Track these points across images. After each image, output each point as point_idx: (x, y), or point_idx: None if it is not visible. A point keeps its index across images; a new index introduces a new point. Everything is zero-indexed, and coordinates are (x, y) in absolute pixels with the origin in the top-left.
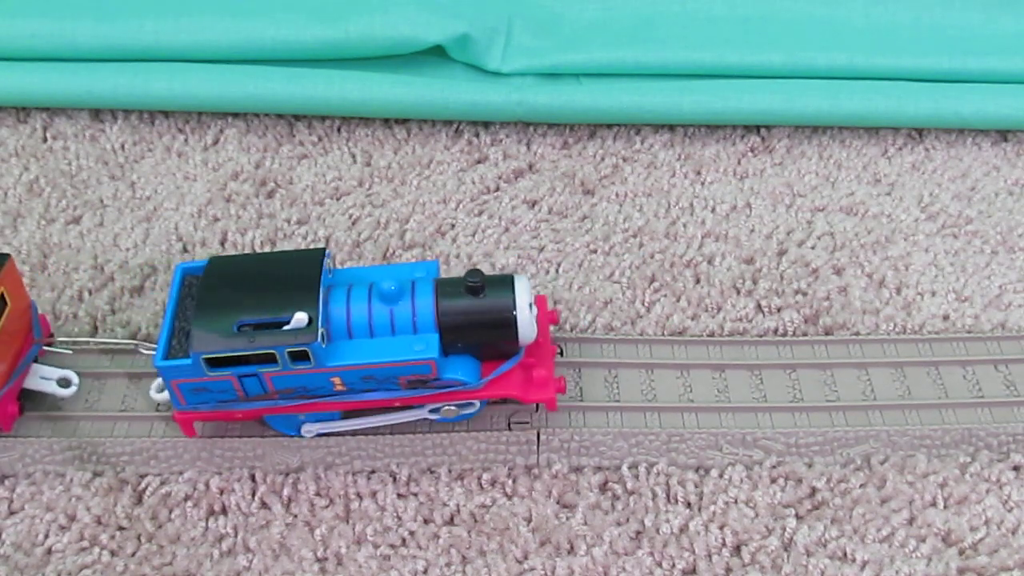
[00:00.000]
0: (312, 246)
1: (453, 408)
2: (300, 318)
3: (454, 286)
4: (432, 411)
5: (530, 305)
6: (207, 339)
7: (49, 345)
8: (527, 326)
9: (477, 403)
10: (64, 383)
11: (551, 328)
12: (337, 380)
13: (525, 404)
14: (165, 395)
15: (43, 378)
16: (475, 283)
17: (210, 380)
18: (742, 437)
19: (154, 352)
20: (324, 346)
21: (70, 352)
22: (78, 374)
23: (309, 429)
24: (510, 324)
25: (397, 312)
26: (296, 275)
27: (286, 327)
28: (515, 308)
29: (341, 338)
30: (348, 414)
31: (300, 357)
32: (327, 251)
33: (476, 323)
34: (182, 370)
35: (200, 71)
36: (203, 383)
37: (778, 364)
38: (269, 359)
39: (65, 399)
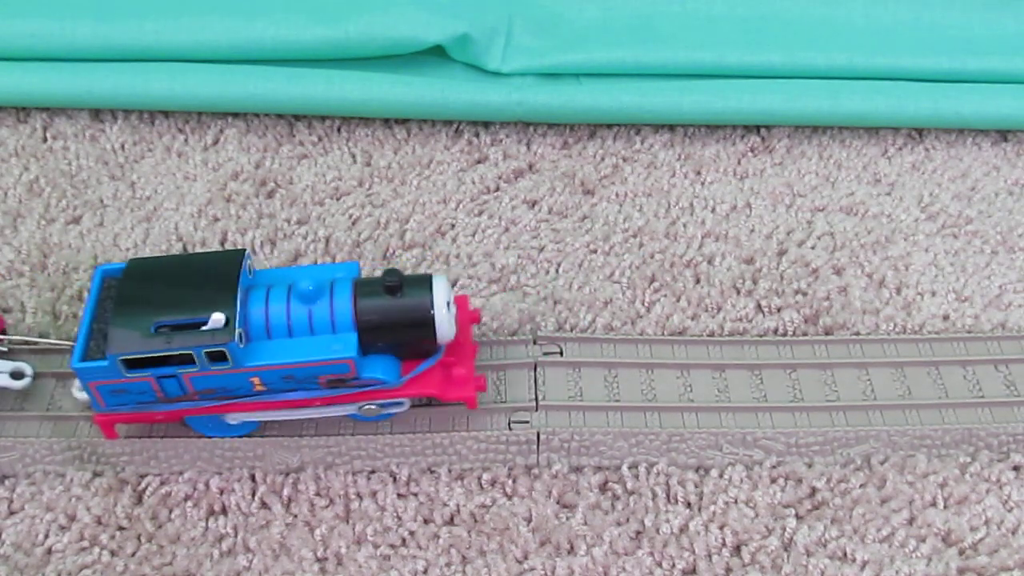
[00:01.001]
0: (312, 246)
1: (374, 407)
2: (217, 319)
3: (372, 286)
4: (357, 409)
5: (448, 304)
6: (124, 340)
7: None
8: (445, 325)
9: (405, 402)
10: (18, 375)
11: (474, 328)
12: (256, 380)
13: (445, 403)
14: (86, 395)
15: None
16: (392, 282)
17: (128, 381)
18: (742, 437)
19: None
20: (242, 346)
21: (5, 350)
22: (42, 374)
23: (235, 417)
24: (428, 323)
25: (315, 312)
26: (215, 276)
27: (203, 328)
28: (433, 307)
29: (260, 338)
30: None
31: (218, 358)
32: (247, 252)
33: (394, 322)
34: (99, 372)
35: (200, 71)
36: (121, 384)
37: (778, 364)
38: (187, 360)
39: (26, 395)
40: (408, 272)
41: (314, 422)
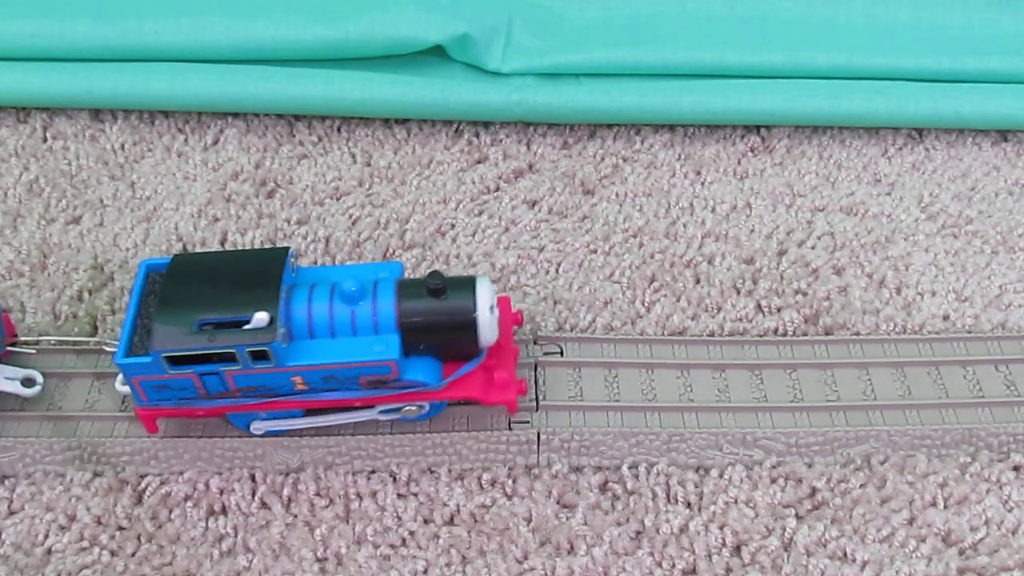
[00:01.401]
0: (312, 246)
1: (414, 408)
2: (260, 318)
3: (416, 287)
4: (393, 411)
5: (491, 307)
6: (168, 337)
7: (13, 345)
8: (488, 328)
9: (438, 404)
10: (28, 383)
11: (515, 330)
12: (298, 379)
13: (486, 406)
14: (128, 389)
15: (7, 378)
16: (436, 284)
17: (171, 378)
18: (742, 437)
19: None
20: (284, 346)
21: (34, 352)
22: (43, 374)
23: (259, 427)
24: (471, 326)
25: (358, 312)
26: (258, 274)
27: (247, 326)
28: (476, 310)
29: (302, 338)
30: (310, 412)
31: (260, 356)
32: (290, 250)
33: (437, 324)
34: (143, 367)
35: (200, 71)
36: (164, 380)
37: (778, 364)
38: (229, 358)
39: (30, 399)
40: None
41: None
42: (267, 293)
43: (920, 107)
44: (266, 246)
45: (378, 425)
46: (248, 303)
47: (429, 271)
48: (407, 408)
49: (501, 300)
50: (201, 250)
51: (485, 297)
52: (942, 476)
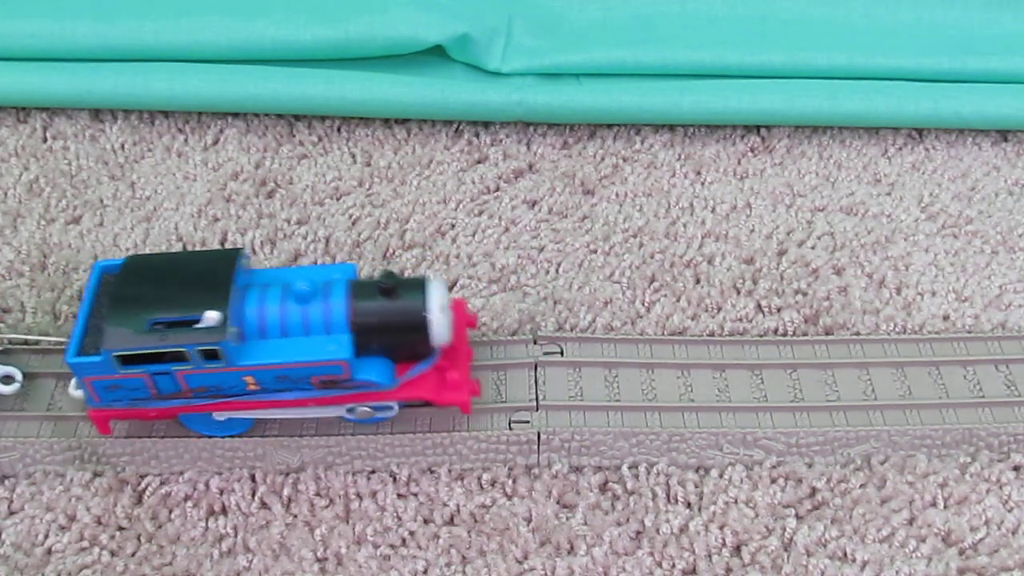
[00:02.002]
0: (312, 246)
1: (368, 409)
2: (211, 317)
3: (368, 287)
4: (348, 411)
5: (443, 308)
6: (119, 336)
7: None
8: (439, 328)
9: (394, 405)
10: (7, 380)
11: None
12: (250, 379)
13: (439, 407)
14: (82, 393)
15: None
16: (388, 285)
17: (123, 378)
18: (743, 437)
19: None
20: (235, 345)
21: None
22: (43, 375)
23: (222, 414)
24: (422, 326)
25: (310, 313)
26: (210, 274)
27: (198, 326)
28: (427, 310)
29: (254, 338)
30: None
31: (211, 356)
32: (243, 251)
33: (388, 324)
34: (94, 367)
35: (200, 71)
36: (116, 380)
37: (778, 364)
38: (180, 357)
39: (7, 396)
40: (408, 273)
41: (314, 422)
42: (218, 293)
43: (920, 107)
44: (266, 246)
45: (378, 426)
46: (199, 303)
47: (381, 271)
48: (361, 409)
49: (456, 302)
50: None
51: (437, 298)
52: (942, 476)
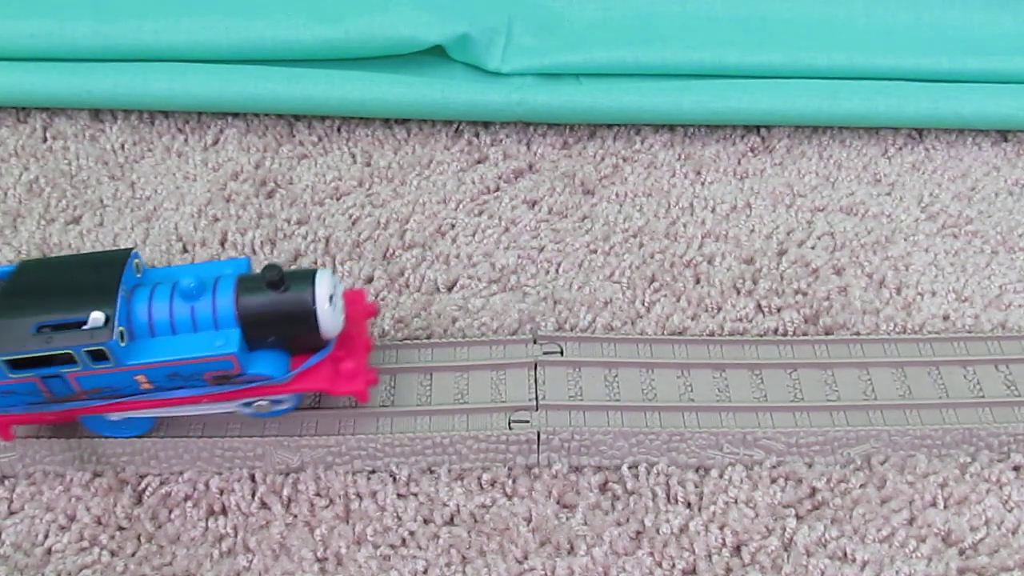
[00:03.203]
0: (312, 246)
1: (265, 403)
2: (97, 317)
3: (255, 281)
4: (245, 405)
5: (331, 298)
6: (6, 341)
7: None
8: (328, 320)
9: (287, 399)
10: None
11: (371, 321)
12: (142, 378)
13: (334, 396)
14: None
15: None
16: (274, 277)
17: (14, 382)
18: (743, 437)
19: None
20: (122, 345)
21: None
22: None
23: (118, 415)
24: (310, 317)
25: (198, 309)
26: (99, 276)
27: (84, 327)
28: (315, 302)
29: (145, 337)
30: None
31: (99, 356)
32: (134, 251)
33: (276, 317)
34: None
35: (200, 71)
36: (7, 386)
37: (779, 364)
38: (68, 359)
39: None
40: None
41: (314, 421)
42: (105, 293)
43: (920, 107)
44: (266, 246)
45: (378, 425)
46: (86, 304)
47: (267, 264)
48: (257, 403)
49: (355, 292)
50: (201, 250)
51: (324, 289)
52: (942, 476)
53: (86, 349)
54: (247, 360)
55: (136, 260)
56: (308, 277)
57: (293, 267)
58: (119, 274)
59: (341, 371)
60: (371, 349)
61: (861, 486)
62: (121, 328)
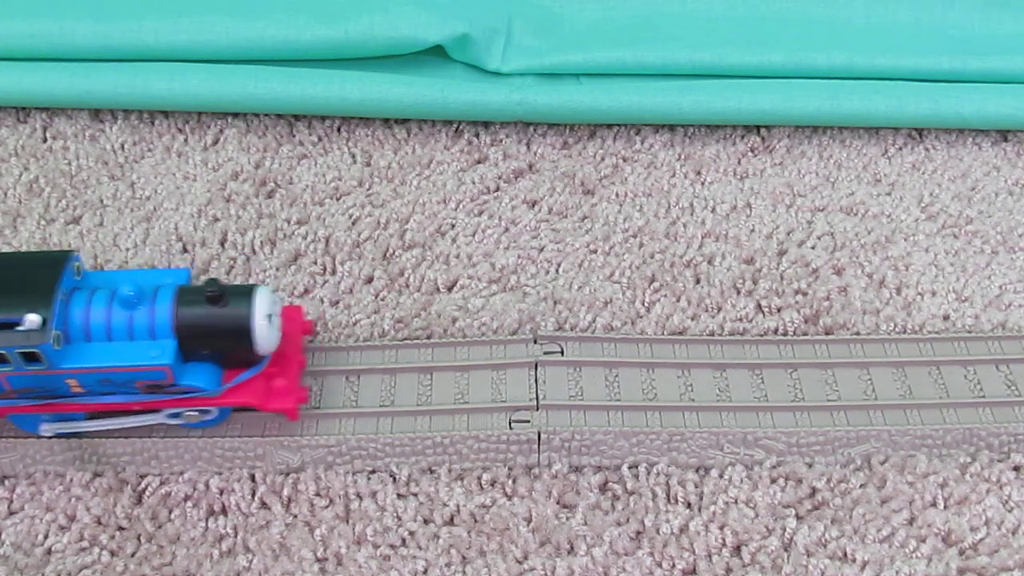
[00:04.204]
0: (312, 246)
1: (195, 413)
2: (32, 319)
3: (194, 294)
4: (173, 415)
5: (269, 316)
6: None
7: None
8: (264, 336)
9: (213, 411)
10: None
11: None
12: (73, 382)
13: (265, 412)
14: None
15: None
16: (213, 292)
17: None
18: (743, 436)
19: None
20: (57, 348)
21: None
22: None
23: (48, 428)
24: (246, 333)
25: (136, 317)
26: (37, 277)
27: (19, 328)
28: (252, 317)
29: (80, 341)
30: (94, 415)
31: (32, 358)
32: (74, 253)
33: (213, 331)
34: None
35: (200, 71)
36: None
37: (779, 364)
38: (1, 359)
39: None
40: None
41: (315, 421)
42: (42, 296)
43: (920, 107)
44: (266, 246)
45: (378, 425)
46: (22, 305)
47: (207, 279)
48: (187, 413)
49: (292, 309)
50: (200, 250)
51: (262, 306)
52: (942, 476)
53: (19, 350)
54: (181, 371)
55: (76, 262)
56: (247, 293)
57: (274, 267)
58: (58, 276)
59: (273, 388)
60: (304, 367)
61: (861, 486)
62: (57, 332)
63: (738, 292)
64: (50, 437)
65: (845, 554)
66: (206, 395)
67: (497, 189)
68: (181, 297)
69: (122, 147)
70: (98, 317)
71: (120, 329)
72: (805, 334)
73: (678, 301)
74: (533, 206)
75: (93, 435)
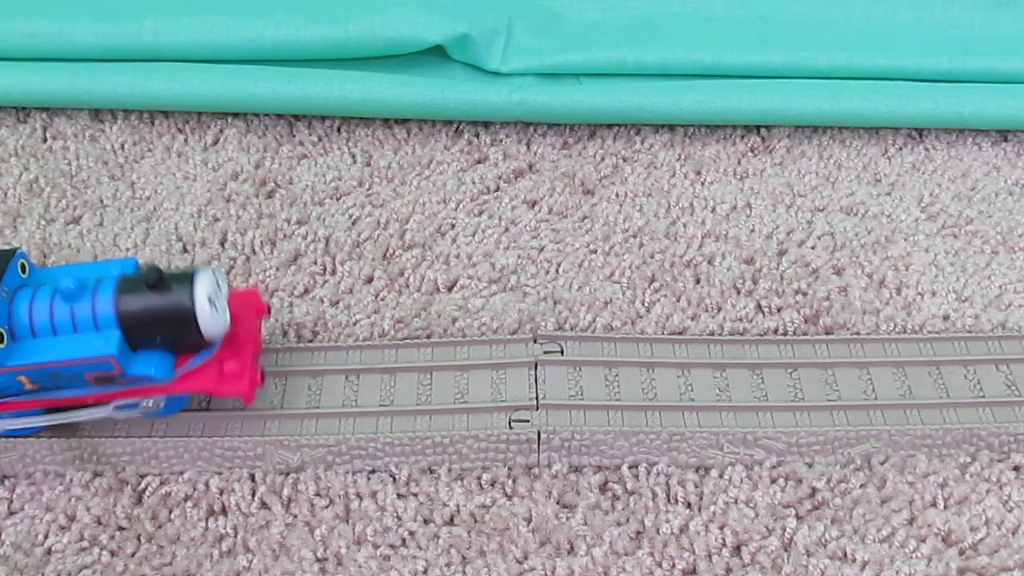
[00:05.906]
0: (312, 246)
1: (151, 404)
2: None
3: (136, 282)
4: (130, 406)
5: (211, 299)
6: None
7: None
8: (208, 320)
9: (165, 399)
10: None
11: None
12: (24, 379)
13: (220, 397)
14: None
15: None
16: (152, 278)
17: None
18: (743, 436)
19: None
20: (2, 346)
21: None
22: None
23: (2, 424)
24: (190, 318)
25: (78, 310)
26: None
27: None
28: (194, 303)
29: (26, 338)
30: (51, 410)
31: None
32: (19, 251)
33: (156, 318)
34: None
35: (200, 71)
36: None
37: (779, 363)
38: None
39: None
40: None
41: (315, 420)
42: None
43: (920, 107)
44: (266, 246)
45: (378, 425)
46: None
47: (147, 265)
48: (144, 404)
49: (246, 292)
50: (200, 250)
51: (203, 290)
52: (942, 476)
53: None
54: (128, 361)
55: (21, 260)
56: (187, 278)
57: (274, 267)
58: (1, 274)
59: (225, 372)
60: (260, 349)
61: (861, 486)
62: (1, 330)
63: (738, 292)
64: (49, 437)
65: (845, 554)
66: (156, 383)
67: (497, 189)
68: (122, 286)
69: (122, 147)
70: (42, 313)
71: (64, 323)
72: (805, 334)
73: (678, 301)
74: (533, 206)
75: (93, 435)
